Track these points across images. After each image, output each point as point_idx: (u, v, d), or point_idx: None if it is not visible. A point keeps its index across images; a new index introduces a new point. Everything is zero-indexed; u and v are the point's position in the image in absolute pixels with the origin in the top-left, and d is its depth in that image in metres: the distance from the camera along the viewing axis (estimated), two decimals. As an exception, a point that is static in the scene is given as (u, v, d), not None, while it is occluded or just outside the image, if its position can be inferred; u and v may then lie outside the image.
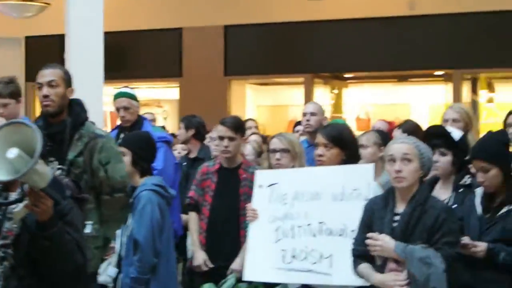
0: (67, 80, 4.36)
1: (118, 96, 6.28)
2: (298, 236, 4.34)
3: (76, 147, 4.31)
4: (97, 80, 7.79)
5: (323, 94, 13.39)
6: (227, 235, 5.38)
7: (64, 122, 4.28)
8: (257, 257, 4.52)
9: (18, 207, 3.14)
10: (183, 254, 6.12)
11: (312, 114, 6.65)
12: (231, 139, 5.40)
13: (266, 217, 4.52)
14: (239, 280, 4.86)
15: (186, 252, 6.03)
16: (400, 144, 3.95)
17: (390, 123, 7.53)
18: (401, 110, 12.67)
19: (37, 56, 14.14)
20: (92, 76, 7.63)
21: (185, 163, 7.02)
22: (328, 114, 13.15)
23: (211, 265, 5.36)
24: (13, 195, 3.31)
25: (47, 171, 3.14)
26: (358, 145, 5.02)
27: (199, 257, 5.38)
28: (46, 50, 13.90)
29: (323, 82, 13.31)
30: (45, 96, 4.28)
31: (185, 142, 7.04)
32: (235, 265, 5.27)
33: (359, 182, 4.31)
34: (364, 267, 3.95)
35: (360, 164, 4.71)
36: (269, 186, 4.56)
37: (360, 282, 4.06)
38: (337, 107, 13.58)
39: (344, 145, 4.52)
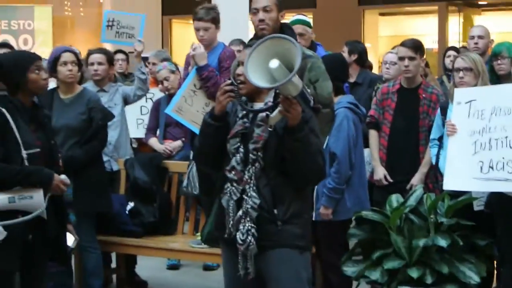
0: (279, 5, 4.70)
1: (293, 23, 6.52)
2: (495, 148, 4.61)
3: None
4: (242, 12, 8.09)
5: (456, 22, 13.43)
6: (406, 151, 5.73)
7: None
8: (456, 168, 4.81)
9: (274, 113, 3.54)
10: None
11: (480, 37, 6.86)
12: (411, 58, 5.70)
13: (464, 131, 4.81)
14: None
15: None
16: None
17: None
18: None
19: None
20: (239, 7, 7.93)
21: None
22: (460, 42, 13.24)
23: (390, 180, 5.73)
24: (259, 104, 3.74)
25: (299, 81, 3.53)
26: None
27: (380, 172, 5.75)
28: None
29: (457, 10, 13.32)
30: (261, 20, 4.63)
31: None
32: (415, 179, 5.63)
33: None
34: None
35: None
36: (467, 102, 4.84)
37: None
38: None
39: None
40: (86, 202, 5.50)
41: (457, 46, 13.57)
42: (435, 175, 5.49)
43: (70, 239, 4.58)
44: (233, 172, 3.68)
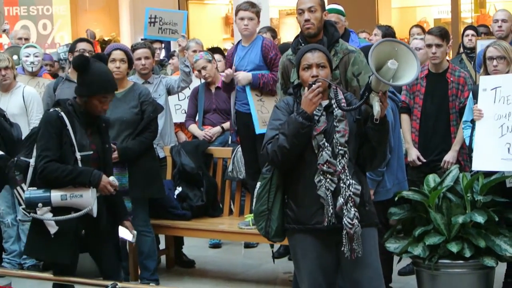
0: (323, 6, 5.04)
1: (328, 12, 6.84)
2: None
3: (332, 62, 4.98)
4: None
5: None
6: (438, 132, 6.10)
7: (321, 41, 4.96)
8: (484, 150, 5.20)
9: (376, 108, 3.94)
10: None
11: (503, 20, 7.20)
12: (438, 46, 6.04)
13: (491, 116, 5.19)
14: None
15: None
16: None
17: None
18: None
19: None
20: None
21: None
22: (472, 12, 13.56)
23: (424, 160, 6.10)
24: (324, 102, 4.09)
25: None
26: None
27: (413, 154, 6.12)
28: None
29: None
30: (307, 20, 4.97)
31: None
32: (448, 156, 6.01)
33: None
34: None
35: None
36: (492, 89, 5.21)
37: None
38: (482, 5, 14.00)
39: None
40: (140, 190, 5.85)
41: (469, 16, 13.95)
42: (467, 153, 5.87)
43: (129, 235, 4.89)
44: (326, 165, 3.99)
